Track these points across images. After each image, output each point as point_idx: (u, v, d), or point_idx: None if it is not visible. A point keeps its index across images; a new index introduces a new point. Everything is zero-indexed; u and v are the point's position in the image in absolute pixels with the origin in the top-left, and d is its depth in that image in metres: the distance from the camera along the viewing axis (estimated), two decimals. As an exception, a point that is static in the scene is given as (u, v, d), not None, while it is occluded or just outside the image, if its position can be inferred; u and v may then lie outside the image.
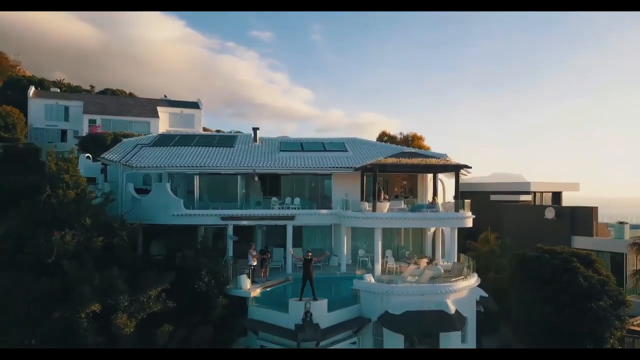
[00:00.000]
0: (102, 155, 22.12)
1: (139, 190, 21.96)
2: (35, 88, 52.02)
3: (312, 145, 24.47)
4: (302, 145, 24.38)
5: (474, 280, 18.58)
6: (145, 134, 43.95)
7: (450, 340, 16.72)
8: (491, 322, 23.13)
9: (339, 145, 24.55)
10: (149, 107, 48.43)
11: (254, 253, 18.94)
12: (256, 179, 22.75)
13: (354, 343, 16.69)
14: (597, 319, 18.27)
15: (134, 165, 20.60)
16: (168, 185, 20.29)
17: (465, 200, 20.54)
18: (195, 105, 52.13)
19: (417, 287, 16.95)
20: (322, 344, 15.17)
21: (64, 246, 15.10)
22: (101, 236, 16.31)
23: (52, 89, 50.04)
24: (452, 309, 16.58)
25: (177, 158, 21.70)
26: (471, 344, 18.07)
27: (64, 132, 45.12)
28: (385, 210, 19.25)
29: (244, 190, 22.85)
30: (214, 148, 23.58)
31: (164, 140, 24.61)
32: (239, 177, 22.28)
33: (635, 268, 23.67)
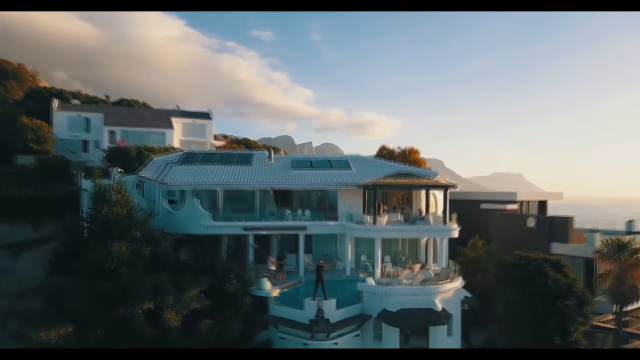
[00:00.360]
0: (139, 174, 25.40)
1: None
2: (56, 99, 55.42)
3: (320, 163, 27.80)
4: (311, 163, 27.71)
5: (459, 282, 21.91)
6: (160, 144, 47.47)
7: (438, 334, 20.08)
8: (479, 319, 26.50)
9: (343, 163, 27.86)
10: (164, 118, 51.73)
11: (273, 260, 22.30)
12: (271, 192, 26.08)
13: (358, 335, 20.04)
14: (564, 316, 21.58)
15: (167, 183, 23.92)
16: (198, 201, 23.62)
17: (453, 214, 23.84)
18: (206, 115, 55.49)
19: (410, 289, 20.30)
20: (332, 335, 18.54)
21: (121, 255, 18.42)
22: (148, 246, 19.66)
23: (73, 101, 53.15)
24: (440, 307, 19.93)
25: (203, 176, 25.03)
26: (456, 336, 21.42)
27: (85, 143, 48.38)
28: (384, 223, 22.58)
29: (261, 203, 26.20)
30: (234, 166, 26.90)
31: (190, 158, 27.92)
32: (257, 192, 25.63)
33: (605, 271, 26.93)
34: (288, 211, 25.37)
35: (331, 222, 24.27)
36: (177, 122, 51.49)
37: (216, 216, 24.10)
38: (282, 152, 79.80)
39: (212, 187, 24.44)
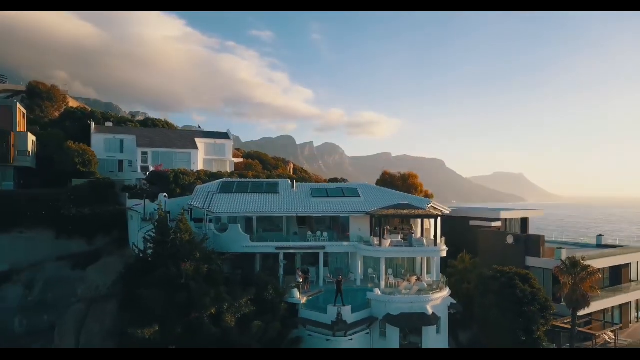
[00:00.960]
0: (189, 203, 31.41)
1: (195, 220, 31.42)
2: (87, 120, 61.62)
3: (334, 192, 33.82)
4: (327, 192, 33.74)
5: (446, 292, 27.97)
6: (187, 163, 53.53)
7: (429, 332, 26.13)
8: (466, 321, 32.55)
9: (354, 192, 33.87)
10: (188, 138, 57.82)
11: (300, 274, 28.38)
12: (295, 216, 32.09)
13: (367, 333, 26.09)
14: (528, 319, 27.67)
15: (214, 211, 29.95)
16: (239, 226, 29.65)
17: (442, 238, 29.88)
18: (225, 135, 61.59)
19: (408, 297, 26.34)
20: (348, 333, 24.58)
21: (188, 272, 24.41)
22: (205, 264, 25.65)
23: (106, 124, 59.16)
24: (430, 312, 25.98)
25: (241, 205, 31.07)
26: (444, 334, 27.48)
27: (120, 163, 54.52)
28: (388, 244, 28.61)
29: (287, 225, 32.24)
30: (264, 195, 32.93)
31: (226, 187, 33.95)
32: (284, 216, 31.69)
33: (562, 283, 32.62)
34: (309, 232, 31.41)
35: (345, 243, 30.30)
36: (200, 142, 57.54)
37: (252, 237, 30.12)
38: (292, 165, 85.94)
39: (249, 214, 30.50)
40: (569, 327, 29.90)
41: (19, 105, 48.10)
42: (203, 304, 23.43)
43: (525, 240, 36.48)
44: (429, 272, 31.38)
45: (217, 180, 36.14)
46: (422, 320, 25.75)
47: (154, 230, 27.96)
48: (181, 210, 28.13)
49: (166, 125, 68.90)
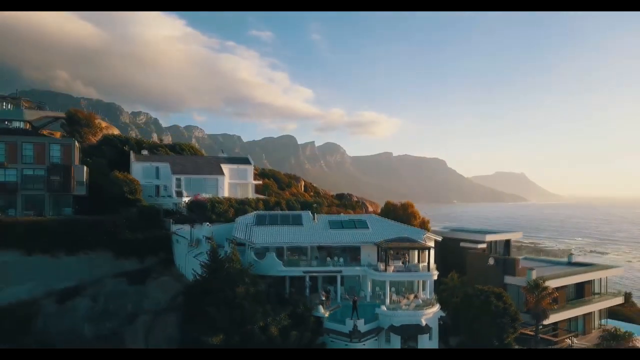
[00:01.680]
0: (234, 235, 39.50)
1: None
2: (123, 146, 69.88)
3: (348, 224, 41.97)
4: (342, 224, 41.90)
5: (436, 307, 36.14)
6: (214, 188, 61.61)
7: (423, 339, 34.27)
8: (455, 329, 40.64)
9: (363, 224, 42.01)
10: (215, 165, 65.99)
11: (323, 293, 36.57)
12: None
13: (376, 340, 34.24)
14: (500, 329, 35.81)
15: (254, 242, 38.10)
16: (274, 254, 37.80)
17: (434, 264, 38.04)
18: (247, 160, 69.84)
19: (407, 312, 34.47)
20: (362, 340, 32.72)
21: (241, 294, 32.50)
22: (252, 287, 33.73)
23: (143, 152, 67.26)
24: (424, 323, 34.14)
25: (275, 236, 39.21)
26: (435, 340, 35.69)
27: (157, 188, 62.69)
28: (392, 270, 36.75)
29: (311, 251, 40.40)
30: (291, 226, 41.06)
31: (261, 220, 42.08)
32: (308, 246, 39.88)
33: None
34: (328, 258, 39.56)
35: (357, 267, 38.46)
36: (225, 168, 65.70)
37: (284, 263, 38.25)
38: (302, 182, 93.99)
39: (281, 245, 38.69)
40: (532, 334, 38.08)
41: (76, 142, 56.26)
42: (254, 319, 31.58)
43: (503, 261, 44.68)
44: (424, 290, 39.49)
45: (253, 213, 44.31)
46: (418, 330, 33.92)
47: (208, 259, 36.10)
48: (232, 246, 36.22)
49: (191, 149, 77.12)
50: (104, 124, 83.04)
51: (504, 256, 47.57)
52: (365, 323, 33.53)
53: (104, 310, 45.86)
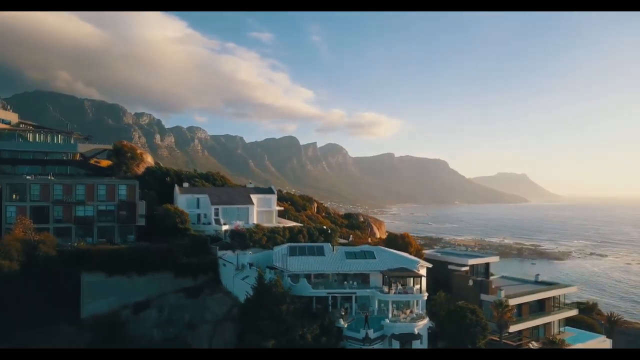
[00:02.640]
0: (273, 264, 52.71)
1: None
2: (165, 177, 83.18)
3: (360, 255, 55.17)
4: (355, 255, 55.09)
5: (426, 320, 49.47)
6: (245, 216, 74.87)
7: (416, 343, 47.53)
8: (442, 336, 53.80)
9: (372, 255, 55.17)
10: (246, 195, 79.26)
11: (343, 309, 49.82)
12: (335, 270, 53.46)
13: (382, 344, 47.47)
14: (473, 336, 49.01)
15: (290, 270, 51.30)
16: (305, 280, 51.01)
17: (425, 287, 51.34)
18: (271, 190, 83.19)
19: (404, 324, 47.72)
20: (372, 344, 45.95)
21: (286, 311, 45.69)
22: (292, 305, 46.91)
23: (184, 184, 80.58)
24: (417, 332, 47.42)
25: (305, 265, 52.40)
26: (425, 344, 48.91)
27: (198, 216, 75.94)
28: (393, 292, 49.96)
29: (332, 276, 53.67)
30: (317, 256, 54.26)
31: (292, 250, 55.28)
32: (330, 273, 53.10)
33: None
34: (345, 282, 52.76)
35: (367, 290, 51.68)
36: (253, 198, 79.02)
37: (312, 285, 51.43)
38: (316, 204, 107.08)
39: (310, 272, 51.97)
40: (498, 340, 51.36)
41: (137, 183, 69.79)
42: (295, 329, 44.80)
43: (480, 282, 57.91)
44: (417, 306, 52.66)
45: (286, 245, 57.52)
46: (412, 337, 47.18)
47: (256, 283, 49.25)
48: (276, 274, 49.48)
49: (222, 179, 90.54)
50: (147, 155, 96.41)
51: (481, 278, 60.70)
52: (374, 332, 46.73)
53: (168, 319, 59.21)
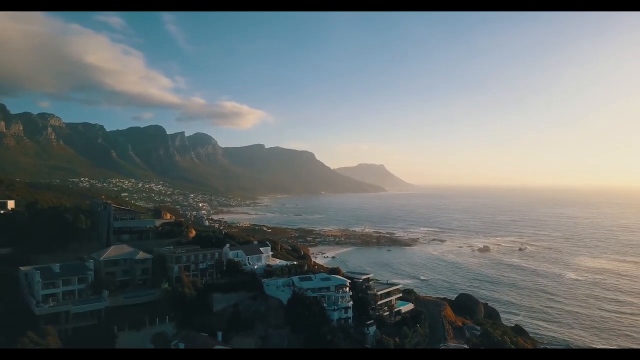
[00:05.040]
0: (295, 284, 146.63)
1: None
2: (211, 240, 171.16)
3: (325, 279, 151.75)
4: (328, 279, 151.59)
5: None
6: (260, 260, 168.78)
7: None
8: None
9: (329, 279, 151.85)
10: (257, 248, 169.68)
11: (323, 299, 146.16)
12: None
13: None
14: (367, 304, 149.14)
15: (302, 287, 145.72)
16: (310, 291, 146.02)
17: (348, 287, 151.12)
18: (267, 244, 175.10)
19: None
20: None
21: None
22: (305, 301, 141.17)
23: (227, 242, 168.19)
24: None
25: (306, 284, 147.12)
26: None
27: (239, 261, 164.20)
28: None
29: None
30: (310, 281, 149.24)
31: (302, 278, 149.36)
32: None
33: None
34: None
35: (330, 293, 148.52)
36: (260, 248, 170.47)
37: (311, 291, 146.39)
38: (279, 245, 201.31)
39: (309, 287, 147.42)
40: (375, 308, 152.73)
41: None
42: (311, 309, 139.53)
43: (367, 285, 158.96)
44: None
45: (297, 277, 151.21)
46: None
47: (291, 296, 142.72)
48: (300, 290, 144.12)
49: (243, 231, 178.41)
50: (187, 224, 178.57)
51: (364, 283, 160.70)
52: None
53: (249, 309, 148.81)
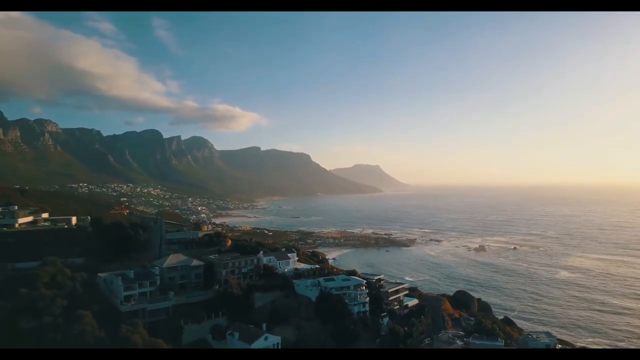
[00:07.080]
0: (322, 284, 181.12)
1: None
2: (247, 247, 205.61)
3: (345, 280, 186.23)
4: (347, 279, 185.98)
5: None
6: (288, 264, 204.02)
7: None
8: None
9: (349, 279, 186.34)
10: (286, 254, 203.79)
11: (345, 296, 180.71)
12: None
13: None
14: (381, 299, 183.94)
15: (327, 287, 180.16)
16: (334, 289, 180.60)
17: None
18: (292, 250, 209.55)
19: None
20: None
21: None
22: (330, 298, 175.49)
23: (260, 250, 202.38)
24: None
25: (330, 284, 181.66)
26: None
27: (273, 265, 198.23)
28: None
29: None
30: (333, 281, 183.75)
31: (326, 279, 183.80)
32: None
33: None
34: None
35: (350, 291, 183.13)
36: (288, 254, 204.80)
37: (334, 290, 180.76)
38: (301, 251, 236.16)
39: (333, 286, 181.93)
40: (387, 302, 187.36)
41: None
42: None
43: (381, 284, 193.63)
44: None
45: (322, 278, 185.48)
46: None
47: (319, 294, 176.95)
48: (327, 289, 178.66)
49: (267, 245, 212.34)
50: (225, 236, 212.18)
51: (377, 283, 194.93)
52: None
53: (285, 305, 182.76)
